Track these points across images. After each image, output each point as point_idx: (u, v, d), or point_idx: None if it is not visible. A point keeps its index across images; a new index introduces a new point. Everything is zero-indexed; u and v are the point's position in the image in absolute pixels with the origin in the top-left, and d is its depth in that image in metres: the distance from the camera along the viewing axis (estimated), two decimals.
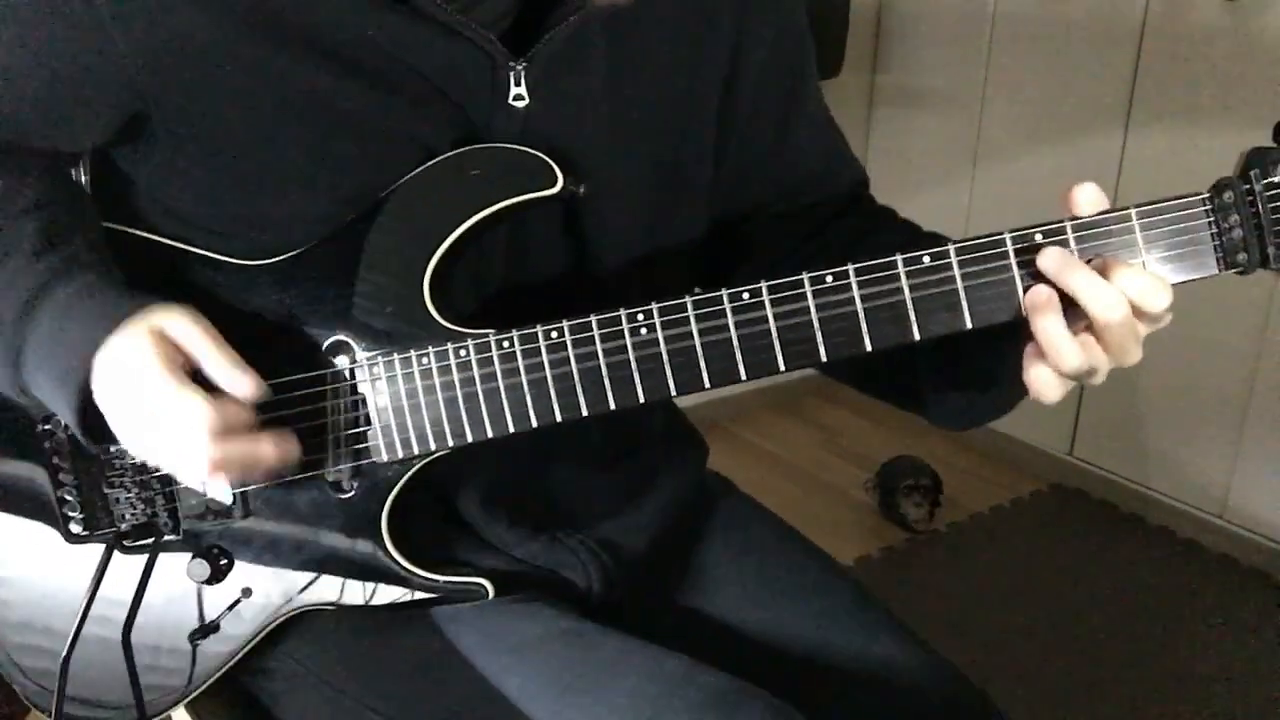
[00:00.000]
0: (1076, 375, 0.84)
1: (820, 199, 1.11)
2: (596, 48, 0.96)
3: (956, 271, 0.84)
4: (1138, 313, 0.82)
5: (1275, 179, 0.81)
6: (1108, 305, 0.81)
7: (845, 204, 1.12)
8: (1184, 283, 0.83)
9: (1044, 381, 0.85)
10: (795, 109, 1.10)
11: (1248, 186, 0.82)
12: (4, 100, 0.92)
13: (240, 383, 0.89)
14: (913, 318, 0.85)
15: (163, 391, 0.86)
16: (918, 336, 0.85)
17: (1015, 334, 0.86)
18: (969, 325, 0.85)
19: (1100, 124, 2.89)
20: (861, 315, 0.85)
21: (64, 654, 0.96)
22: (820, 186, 1.11)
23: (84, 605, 0.96)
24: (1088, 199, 0.84)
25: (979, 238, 0.84)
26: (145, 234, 0.99)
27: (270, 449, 0.90)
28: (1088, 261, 0.83)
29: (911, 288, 0.85)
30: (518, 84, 0.93)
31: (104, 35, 0.88)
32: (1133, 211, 0.82)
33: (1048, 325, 0.82)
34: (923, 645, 1.06)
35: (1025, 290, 0.84)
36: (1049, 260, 0.83)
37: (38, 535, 1.02)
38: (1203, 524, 2.88)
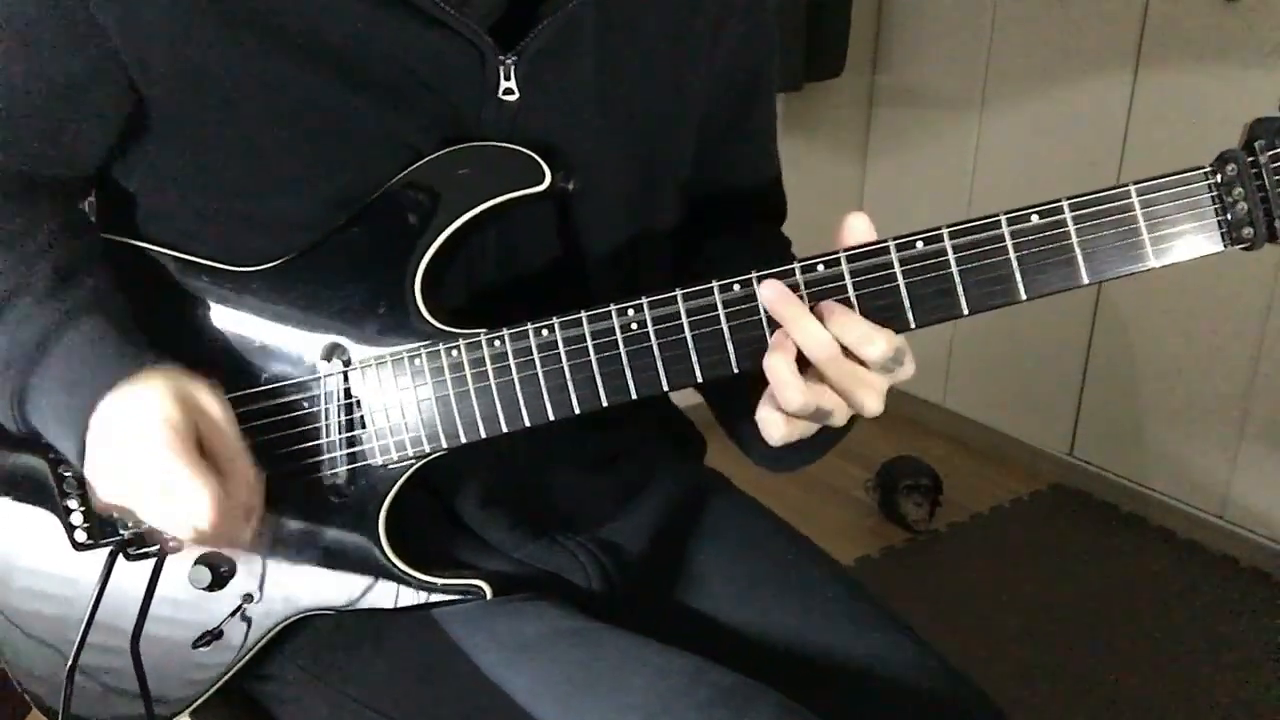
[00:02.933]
0: (803, 414, 0.85)
1: (739, 213, 1.13)
2: (585, 42, 0.96)
3: (951, 256, 0.83)
4: (857, 359, 0.83)
5: None
6: (814, 341, 0.83)
7: (757, 224, 1.15)
8: (1190, 260, 0.82)
9: (767, 421, 0.87)
10: (744, 119, 1.11)
11: (1252, 159, 0.80)
12: (11, 115, 0.91)
13: (252, 476, 0.90)
14: (907, 303, 0.84)
15: (175, 466, 0.86)
16: (914, 325, 0.85)
17: None
18: (965, 311, 0.84)
19: (1101, 123, 2.89)
20: (854, 304, 0.85)
21: (69, 661, 0.96)
22: (742, 202, 1.13)
23: (89, 613, 0.95)
24: (858, 229, 0.85)
25: (974, 220, 0.84)
26: (139, 243, 0.98)
27: (248, 535, 0.92)
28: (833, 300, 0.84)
29: (905, 274, 0.84)
30: (507, 78, 0.93)
31: (100, 37, 0.88)
32: (1132, 188, 0.81)
33: (773, 362, 0.83)
34: (917, 640, 1.05)
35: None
36: (766, 292, 0.84)
37: (46, 543, 1.02)
38: (1203, 524, 2.88)
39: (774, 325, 0.85)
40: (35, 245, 0.93)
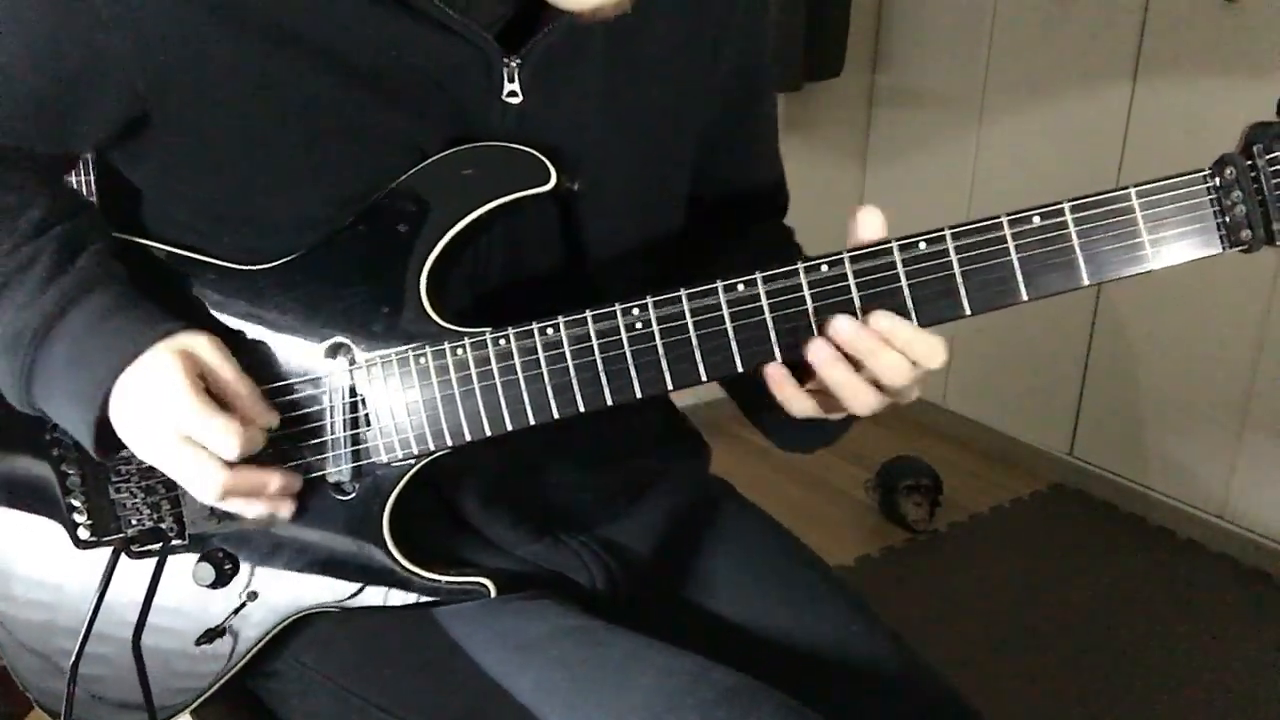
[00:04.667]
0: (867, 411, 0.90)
1: (746, 212, 1.15)
2: (594, 47, 0.97)
3: (954, 256, 0.84)
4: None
5: (1279, 154, 0.80)
6: (893, 371, 0.86)
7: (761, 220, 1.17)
8: (1189, 262, 0.82)
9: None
10: (746, 123, 1.13)
11: (1250, 162, 0.81)
12: (3, 101, 0.91)
13: (265, 414, 0.92)
14: (910, 305, 0.85)
15: (194, 415, 0.88)
16: (916, 322, 0.85)
17: None
18: (968, 312, 0.85)
19: (1101, 124, 2.89)
20: (857, 304, 0.85)
21: (73, 659, 0.96)
22: (748, 200, 1.15)
23: (91, 610, 0.96)
24: (870, 223, 0.87)
25: (977, 221, 0.84)
26: (145, 241, 0.99)
27: (276, 480, 0.93)
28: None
29: (908, 274, 0.84)
30: (511, 80, 0.93)
31: (104, 36, 0.88)
32: (1132, 190, 0.81)
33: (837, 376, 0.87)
34: (915, 656, 1.06)
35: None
36: (843, 333, 0.86)
37: (48, 539, 1.02)
38: (1203, 524, 2.88)
39: (778, 327, 0.86)
40: (31, 221, 0.93)
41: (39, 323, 0.90)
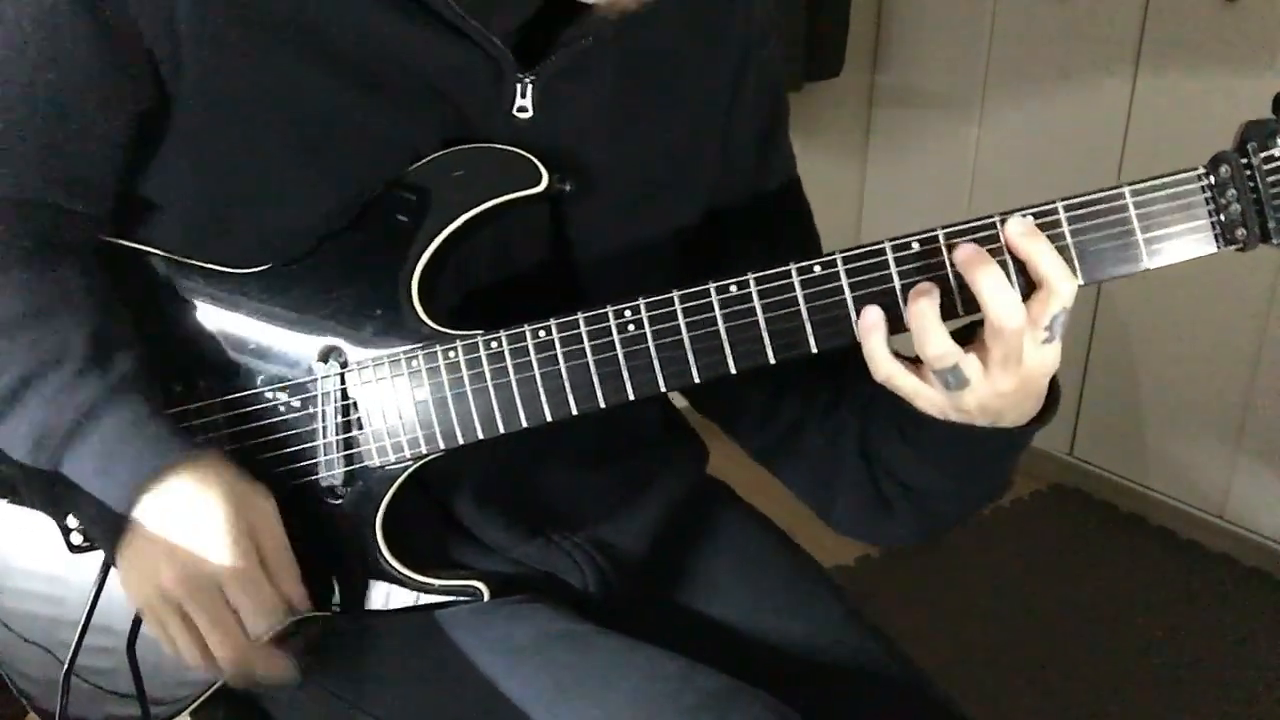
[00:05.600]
0: (943, 364, 0.84)
1: (776, 245, 1.12)
2: (604, 70, 0.96)
3: (945, 256, 0.83)
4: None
5: (1273, 152, 0.80)
6: (1010, 306, 0.81)
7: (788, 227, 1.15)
8: (1185, 261, 0.82)
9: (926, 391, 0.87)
10: (774, 132, 1.13)
11: (1245, 160, 0.81)
12: (31, 120, 0.89)
13: (303, 599, 0.91)
14: (902, 305, 0.84)
15: (242, 573, 0.86)
16: (910, 327, 0.85)
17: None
18: (961, 312, 0.84)
19: (1101, 124, 2.88)
20: (850, 305, 0.85)
21: (65, 667, 0.96)
22: (777, 235, 1.13)
23: (85, 616, 0.96)
24: None
25: (971, 221, 0.84)
26: (137, 245, 0.98)
27: (280, 667, 0.91)
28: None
29: (901, 275, 0.84)
30: (523, 96, 0.93)
31: (133, 35, 0.87)
32: (1127, 190, 0.81)
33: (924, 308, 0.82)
34: (908, 663, 1.06)
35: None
36: (963, 252, 0.82)
37: (41, 545, 1.02)
38: (1203, 524, 2.87)
39: (771, 328, 0.86)
40: (69, 314, 0.91)
41: (71, 422, 0.88)
